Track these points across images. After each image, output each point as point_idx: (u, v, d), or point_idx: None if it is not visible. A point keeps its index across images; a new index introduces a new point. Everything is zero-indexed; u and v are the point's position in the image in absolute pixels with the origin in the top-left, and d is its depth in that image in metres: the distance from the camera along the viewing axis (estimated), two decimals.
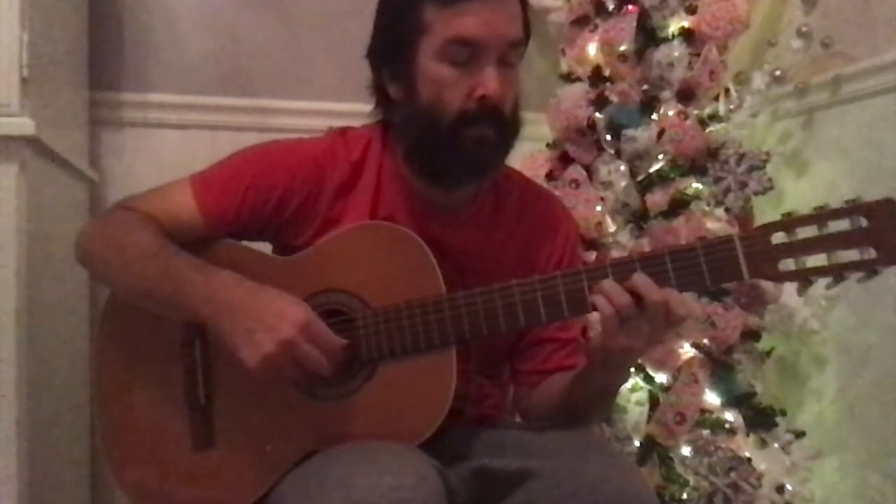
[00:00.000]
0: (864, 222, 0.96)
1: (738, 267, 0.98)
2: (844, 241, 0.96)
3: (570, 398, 1.13)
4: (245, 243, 1.19)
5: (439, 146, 1.10)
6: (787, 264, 0.99)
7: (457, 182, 1.15)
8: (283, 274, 1.12)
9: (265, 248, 1.21)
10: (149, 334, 1.17)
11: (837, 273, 0.97)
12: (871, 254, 0.96)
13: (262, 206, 1.16)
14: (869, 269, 0.96)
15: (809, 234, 0.98)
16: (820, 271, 0.98)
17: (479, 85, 1.07)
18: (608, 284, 0.99)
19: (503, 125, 1.10)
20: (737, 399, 1.83)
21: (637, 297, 0.98)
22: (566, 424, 1.13)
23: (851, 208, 0.97)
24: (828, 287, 0.99)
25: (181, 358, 1.15)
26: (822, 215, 0.97)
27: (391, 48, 1.13)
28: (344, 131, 1.22)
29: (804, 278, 0.99)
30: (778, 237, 0.98)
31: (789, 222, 0.99)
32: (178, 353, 1.15)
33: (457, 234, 1.18)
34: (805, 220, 0.98)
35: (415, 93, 1.11)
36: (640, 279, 0.98)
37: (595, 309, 1.00)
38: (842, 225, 0.97)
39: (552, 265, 1.22)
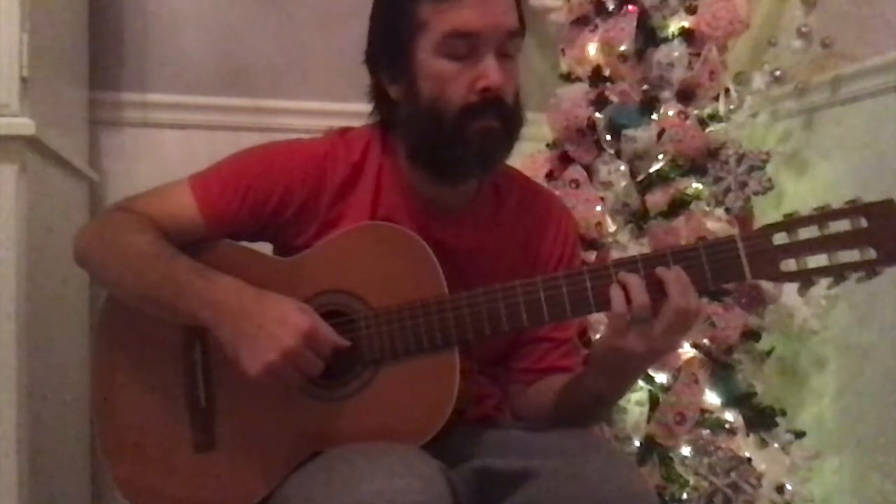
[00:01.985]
0: (864, 223, 0.97)
1: (740, 267, 0.99)
2: (845, 241, 0.97)
3: (564, 403, 1.13)
4: (245, 244, 1.18)
5: (444, 141, 1.09)
6: (789, 265, 0.99)
7: (464, 176, 1.14)
8: (284, 275, 1.11)
9: (266, 248, 1.21)
10: (148, 336, 1.16)
11: (838, 273, 0.98)
12: (871, 254, 0.96)
13: (262, 207, 1.15)
14: (869, 270, 0.97)
15: (810, 235, 0.99)
16: (821, 272, 0.98)
17: (480, 77, 1.07)
18: (633, 279, 0.99)
19: (507, 116, 1.10)
20: (737, 399, 1.83)
21: (660, 294, 0.97)
22: (565, 425, 1.12)
23: (852, 209, 0.97)
24: (829, 287, 1.00)
25: (181, 359, 1.14)
26: (822, 216, 0.98)
27: (389, 49, 1.13)
28: (343, 132, 1.22)
29: (805, 279, 0.99)
30: (779, 238, 0.99)
31: (790, 223, 0.99)
32: (178, 354, 1.14)
33: (457, 233, 1.18)
34: (806, 221, 0.99)
35: (416, 91, 1.10)
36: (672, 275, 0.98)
37: (605, 305, 1.00)
38: (842, 225, 0.98)
39: (552, 264, 1.22)
